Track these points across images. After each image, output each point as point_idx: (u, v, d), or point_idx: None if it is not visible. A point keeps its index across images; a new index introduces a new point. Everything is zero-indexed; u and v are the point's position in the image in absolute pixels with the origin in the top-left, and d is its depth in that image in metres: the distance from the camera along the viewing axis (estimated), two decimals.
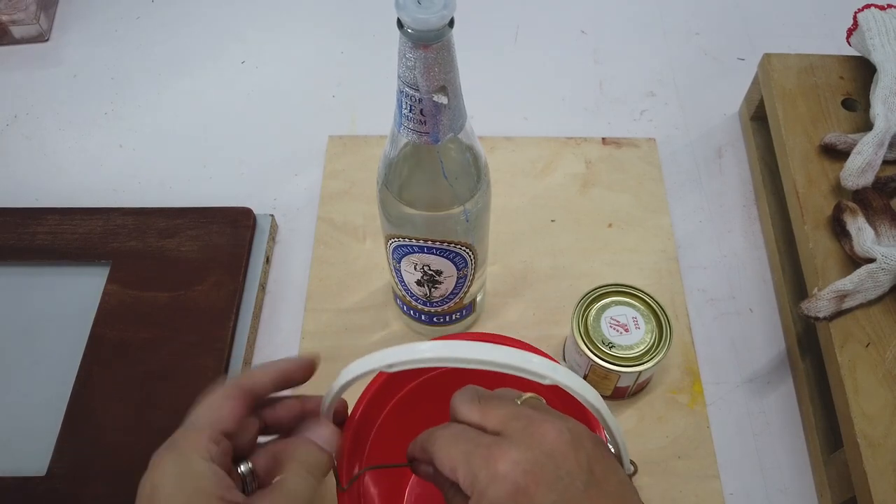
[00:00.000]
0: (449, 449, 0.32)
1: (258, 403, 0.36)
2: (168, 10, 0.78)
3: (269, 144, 0.68)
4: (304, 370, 0.37)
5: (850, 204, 0.52)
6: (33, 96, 0.72)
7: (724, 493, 0.50)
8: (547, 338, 0.56)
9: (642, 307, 0.51)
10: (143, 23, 0.77)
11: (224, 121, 0.70)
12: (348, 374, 0.33)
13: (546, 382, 0.30)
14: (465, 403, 0.34)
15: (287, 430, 0.37)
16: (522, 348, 0.44)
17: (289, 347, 0.56)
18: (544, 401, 0.35)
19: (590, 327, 0.50)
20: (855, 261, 0.50)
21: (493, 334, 0.45)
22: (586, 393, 0.32)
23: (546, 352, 0.52)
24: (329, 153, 0.66)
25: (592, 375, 0.51)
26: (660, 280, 0.59)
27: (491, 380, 0.42)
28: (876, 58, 0.57)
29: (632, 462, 0.36)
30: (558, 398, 0.39)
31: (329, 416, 0.36)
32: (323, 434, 0.35)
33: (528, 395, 0.34)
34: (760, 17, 0.77)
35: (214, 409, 0.34)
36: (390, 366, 0.31)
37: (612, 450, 0.34)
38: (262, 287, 0.59)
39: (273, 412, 0.37)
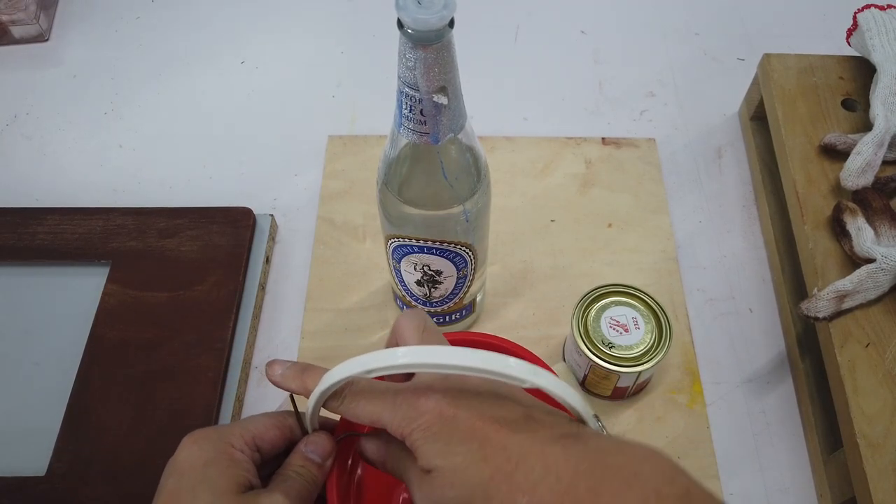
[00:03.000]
0: (368, 404, 0.33)
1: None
2: (168, 10, 0.78)
3: (269, 144, 0.68)
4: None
5: (850, 204, 0.52)
6: (33, 96, 0.72)
7: (724, 493, 0.50)
8: (547, 338, 0.57)
9: (642, 307, 0.51)
10: (143, 23, 0.77)
11: (224, 121, 0.70)
12: (328, 380, 0.32)
13: (526, 386, 0.30)
14: (409, 327, 0.35)
15: None
16: (512, 349, 0.44)
17: (289, 347, 0.57)
18: None
19: (590, 327, 0.50)
20: (855, 261, 0.50)
21: (483, 334, 0.44)
22: (568, 396, 0.31)
23: (546, 352, 0.53)
24: (329, 153, 0.66)
25: (592, 375, 0.51)
26: (659, 280, 0.59)
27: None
28: (876, 58, 0.57)
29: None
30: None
31: (314, 423, 0.36)
32: (309, 442, 0.36)
33: None
34: (760, 18, 0.77)
35: (260, 424, 0.36)
36: (369, 371, 0.31)
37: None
38: (262, 287, 0.59)
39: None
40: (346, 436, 0.38)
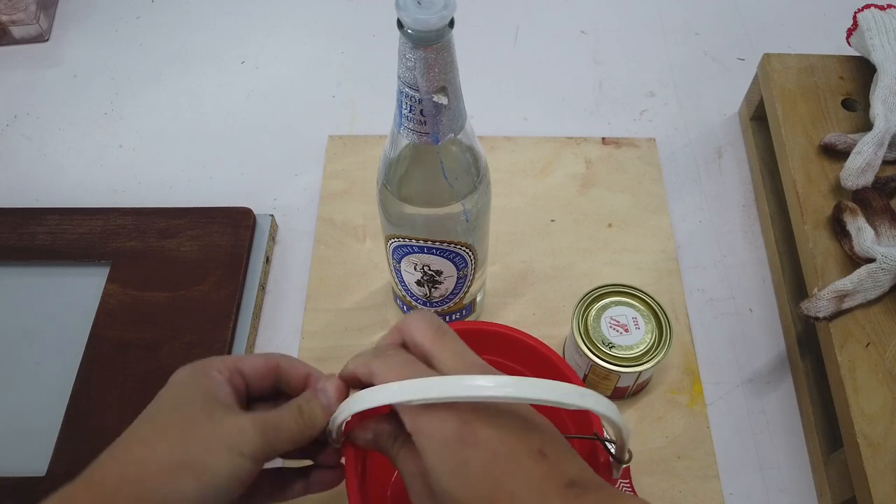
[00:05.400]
0: (395, 375, 0.33)
1: (280, 382, 0.38)
2: (168, 10, 0.78)
3: (269, 144, 0.68)
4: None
5: (850, 204, 0.52)
6: (33, 96, 0.72)
7: (724, 493, 0.50)
8: (547, 338, 0.56)
9: (642, 307, 0.51)
10: (143, 23, 0.77)
11: (224, 121, 0.70)
12: (368, 402, 0.33)
13: (573, 408, 0.31)
14: (420, 327, 0.35)
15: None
16: (528, 340, 0.44)
17: (289, 347, 0.56)
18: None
19: (590, 327, 0.50)
20: (855, 261, 0.50)
21: (495, 324, 0.45)
22: (616, 417, 0.33)
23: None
24: (329, 153, 0.66)
25: (592, 376, 0.51)
26: (659, 280, 0.59)
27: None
28: (876, 58, 0.57)
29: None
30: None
31: (339, 431, 0.36)
32: (324, 386, 0.36)
33: None
34: (760, 18, 0.77)
35: (245, 356, 0.37)
36: (418, 401, 0.31)
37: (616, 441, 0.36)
38: (262, 287, 0.59)
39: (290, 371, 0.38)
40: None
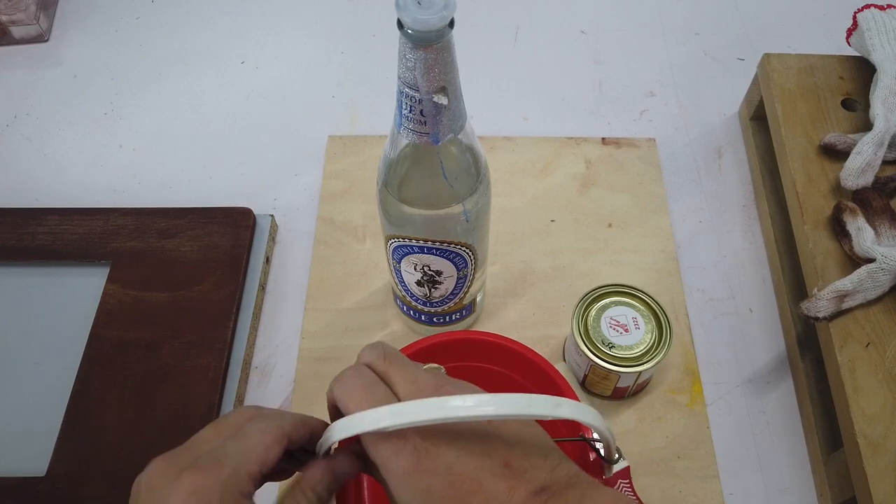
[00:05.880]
0: (356, 401, 0.32)
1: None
2: (168, 10, 0.78)
3: (269, 144, 0.68)
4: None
5: (850, 204, 0.52)
6: (33, 96, 0.72)
7: (724, 493, 0.50)
8: (547, 338, 0.57)
9: (642, 307, 0.51)
10: (143, 23, 0.77)
11: (224, 121, 0.70)
12: (346, 431, 0.32)
13: (550, 419, 0.30)
14: (370, 356, 0.35)
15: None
16: (516, 348, 0.44)
17: (289, 347, 0.57)
18: (444, 370, 0.35)
19: (590, 327, 0.50)
20: (855, 261, 0.50)
21: (486, 333, 0.46)
22: (599, 424, 0.32)
23: (546, 352, 0.53)
24: (329, 153, 0.66)
25: (592, 376, 0.51)
26: (659, 280, 0.59)
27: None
28: (875, 58, 0.57)
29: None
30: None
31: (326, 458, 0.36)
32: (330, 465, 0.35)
33: (429, 365, 0.35)
34: (760, 18, 0.77)
35: (262, 450, 0.33)
36: (385, 427, 0.30)
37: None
38: (262, 287, 0.59)
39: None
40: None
